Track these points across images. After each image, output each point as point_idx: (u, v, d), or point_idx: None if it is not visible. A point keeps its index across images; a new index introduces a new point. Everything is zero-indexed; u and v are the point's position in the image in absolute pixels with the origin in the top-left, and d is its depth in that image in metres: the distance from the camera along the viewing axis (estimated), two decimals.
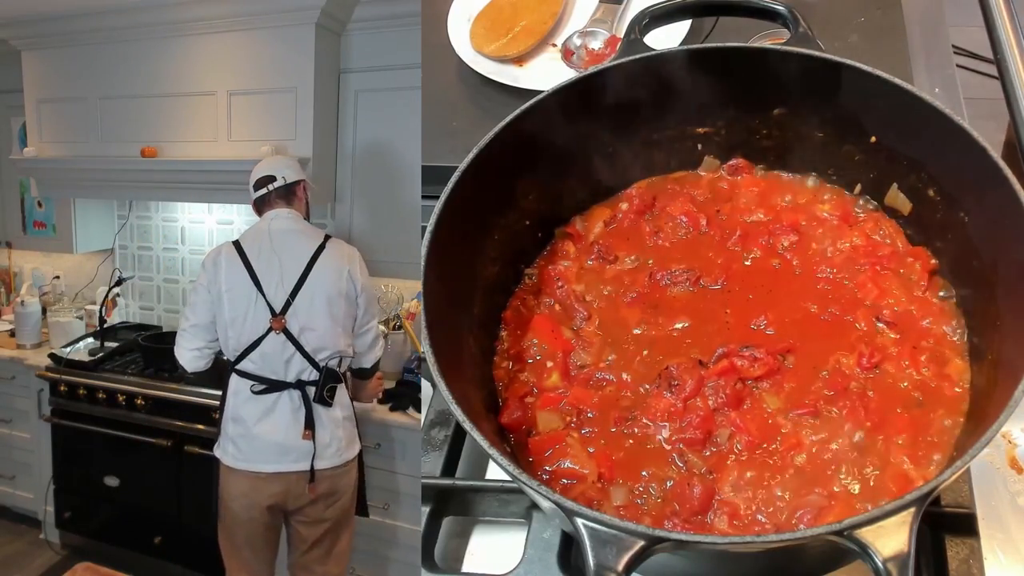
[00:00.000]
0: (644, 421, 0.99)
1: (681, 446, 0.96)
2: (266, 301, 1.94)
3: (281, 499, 1.99)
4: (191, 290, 2.06)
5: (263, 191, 2.03)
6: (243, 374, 1.97)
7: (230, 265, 1.97)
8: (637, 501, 0.93)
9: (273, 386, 1.95)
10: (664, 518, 0.91)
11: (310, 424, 1.94)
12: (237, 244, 2.00)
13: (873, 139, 1.08)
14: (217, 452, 2.03)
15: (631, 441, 0.98)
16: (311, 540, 2.05)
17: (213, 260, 1.99)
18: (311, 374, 1.95)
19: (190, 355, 2.04)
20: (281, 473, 1.95)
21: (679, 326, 1.07)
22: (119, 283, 3.06)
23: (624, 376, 1.03)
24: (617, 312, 1.10)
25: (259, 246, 1.98)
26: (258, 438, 1.95)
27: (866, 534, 0.73)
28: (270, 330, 1.94)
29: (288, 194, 2.05)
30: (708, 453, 0.96)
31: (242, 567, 2.07)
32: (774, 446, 0.95)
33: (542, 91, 1.09)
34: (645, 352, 1.05)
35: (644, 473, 0.95)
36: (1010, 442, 1.08)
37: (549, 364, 1.06)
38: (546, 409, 1.01)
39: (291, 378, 1.95)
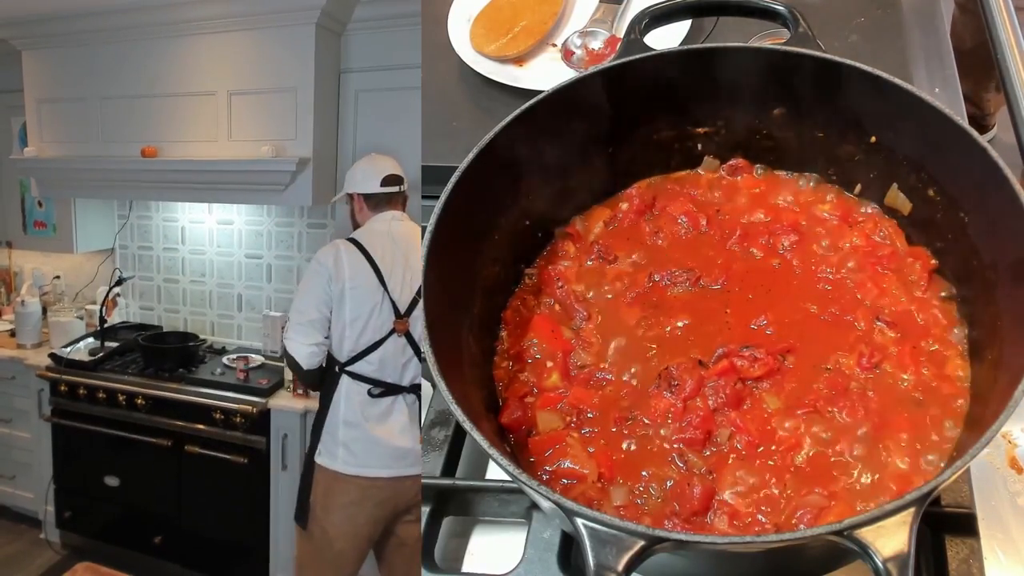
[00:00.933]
0: (644, 421, 0.99)
1: (681, 446, 0.96)
2: (392, 301, 1.90)
3: (391, 506, 1.94)
4: (305, 283, 1.94)
5: (394, 189, 2.01)
6: (357, 376, 1.92)
7: (353, 262, 1.90)
8: (637, 501, 0.93)
9: (390, 390, 1.93)
10: (664, 518, 0.91)
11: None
12: (355, 242, 1.94)
13: (873, 139, 1.08)
14: (321, 459, 1.94)
15: (631, 441, 0.98)
16: (415, 538, 2.00)
17: (334, 256, 1.91)
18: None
19: (307, 351, 1.91)
20: (395, 478, 1.92)
21: (679, 326, 1.06)
22: (119, 283, 3.06)
23: (624, 376, 1.03)
24: (617, 312, 1.10)
25: (382, 245, 1.93)
26: (377, 442, 1.91)
27: (866, 534, 0.73)
28: (392, 331, 1.90)
29: (404, 199, 2.05)
30: (708, 453, 0.96)
31: None
32: (774, 446, 0.95)
33: (542, 91, 1.08)
34: (645, 352, 1.05)
35: (644, 473, 0.95)
36: (1010, 442, 1.08)
37: (549, 364, 1.06)
38: (546, 409, 1.01)
39: (406, 382, 1.93)
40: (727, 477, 0.93)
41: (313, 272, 1.93)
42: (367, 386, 1.92)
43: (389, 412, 1.93)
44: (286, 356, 1.95)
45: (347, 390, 1.92)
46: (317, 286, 1.91)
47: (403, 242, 1.96)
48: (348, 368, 1.92)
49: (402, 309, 1.91)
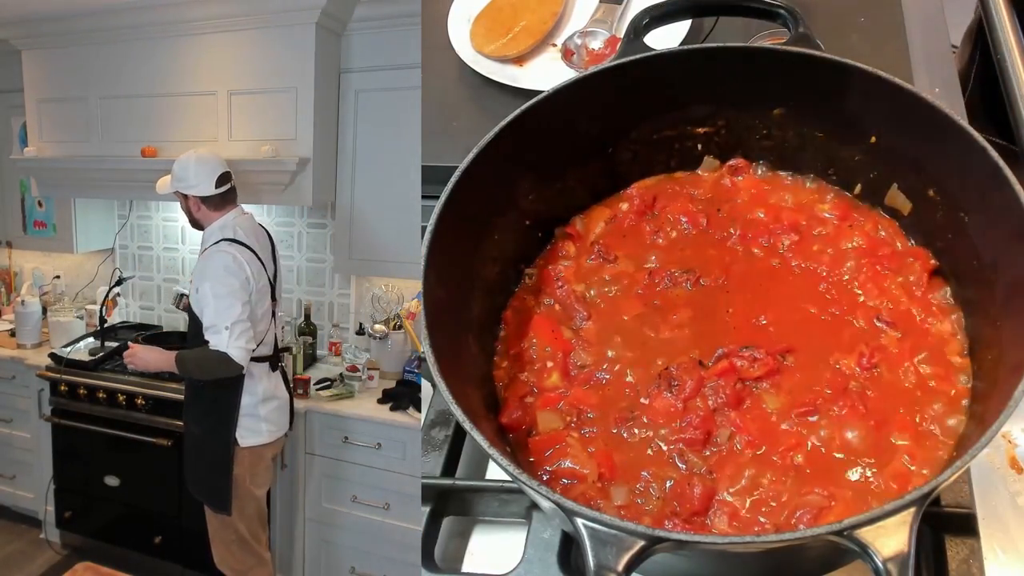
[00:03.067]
0: (644, 421, 0.99)
1: (681, 446, 0.96)
2: (271, 287, 2.15)
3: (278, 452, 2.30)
4: (225, 287, 2.01)
5: (228, 187, 2.15)
6: (259, 359, 2.12)
7: (251, 261, 2.07)
8: (637, 501, 0.93)
9: (273, 361, 2.20)
10: (664, 518, 0.91)
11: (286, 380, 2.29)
12: (241, 243, 2.08)
13: (873, 139, 1.08)
14: (245, 441, 2.11)
15: (631, 441, 0.98)
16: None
17: (237, 261, 2.04)
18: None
19: (244, 352, 2.03)
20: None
21: (679, 325, 1.07)
22: (119, 283, 3.05)
23: (624, 376, 1.03)
24: (617, 312, 1.10)
25: (254, 239, 2.13)
26: (285, 404, 2.22)
27: (866, 534, 0.73)
28: (272, 312, 2.17)
29: (235, 193, 2.21)
30: (708, 453, 0.96)
31: (262, 547, 2.23)
32: (774, 446, 0.95)
33: (542, 91, 1.09)
34: (645, 352, 1.05)
35: (644, 473, 0.95)
36: (1010, 442, 1.08)
37: (549, 364, 1.06)
38: (546, 409, 1.01)
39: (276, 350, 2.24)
40: (727, 477, 0.93)
41: (231, 276, 2.03)
42: (266, 364, 2.16)
43: (278, 377, 2.22)
44: (216, 358, 2.00)
45: (256, 373, 2.12)
46: (238, 289, 2.03)
47: (260, 232, 2.20)
48: (254, 355, 2.10)
49: (277, 294, 2.21)
